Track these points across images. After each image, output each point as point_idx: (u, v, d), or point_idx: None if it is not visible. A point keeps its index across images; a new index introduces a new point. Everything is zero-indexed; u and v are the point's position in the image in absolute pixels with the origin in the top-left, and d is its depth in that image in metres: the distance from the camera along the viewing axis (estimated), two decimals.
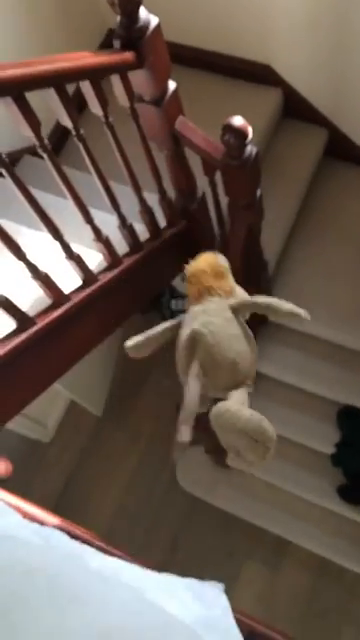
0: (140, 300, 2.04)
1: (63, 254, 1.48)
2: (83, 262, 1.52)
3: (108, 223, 1.62)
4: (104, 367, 3.51)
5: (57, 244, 1.45)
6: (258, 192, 1.80)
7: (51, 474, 3.36)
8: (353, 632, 2.75)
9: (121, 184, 1.63)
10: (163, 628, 0.56)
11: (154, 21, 1.37)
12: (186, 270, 1.07)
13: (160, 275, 2.08)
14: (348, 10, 2.00)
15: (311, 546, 2.82)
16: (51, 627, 0.53)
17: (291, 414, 2.62)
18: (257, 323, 2.56)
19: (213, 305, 0.99)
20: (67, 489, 3.31)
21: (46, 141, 1.28)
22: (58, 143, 2.43)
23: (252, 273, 2.18)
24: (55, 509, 3.35)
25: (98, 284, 1.59)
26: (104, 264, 1.67)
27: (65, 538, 0.72)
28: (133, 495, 3.23)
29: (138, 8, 1.33)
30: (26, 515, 0.94)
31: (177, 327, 1.03)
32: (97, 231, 1.54)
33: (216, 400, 0.95)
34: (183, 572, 0.82)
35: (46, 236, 1.43)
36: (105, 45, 2.61)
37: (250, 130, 1.50)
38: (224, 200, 1.82)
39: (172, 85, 1.53)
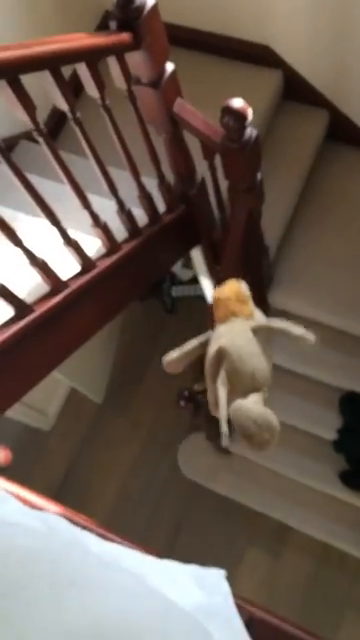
0: (140, 286, 2.02)
1: (61, 240, 1.46)
2: (81, 248, 1.50)
3: (106, 209, 1.61)
4: (104, 354, 3.50)
5: (55, 230, 1.43)
6: (258, 175, 1.78)
7: (52, 462, 3.37)
8: (355, 616, 2.77)
9: (119, 169, 1.61)
10: (164, 614, 0.55)
11: (151, 1, 1.34)
12: (214, 296, 1.27)
13: (160, 261, 2.06)
14: None
15: (313, 532, 2.83)
16: (49, 611, 0.52)
17: (293, 400, 2.62)
18: (259, 308, 2.55)
19: (237, 326, 1.19)
20: (68, 477, 3.32)
21: (42, 125, 1.26)
22: (55, 128, 2.39)
23: (253, 258, 2.16)
24: (56, 497, 3.37)
25: (96, 270, 1.58)
26: (103, 250, 1.66)
27: (66, 523, 0.71)
28: (134, 482, 3.24)
29: None
30: (26, 503, 0.93)
31: (206, 344, 1.22)
32: (95, 216, 1.52)
33: None
34: (185, 558, 0.81)
35: (44, 222, 1.41)
36: (102, 27, 2.57)
37: (250, 112, 1.48)
38: (224, 184, 1.80)
39: (170, 67, 1.50)
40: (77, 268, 1.56)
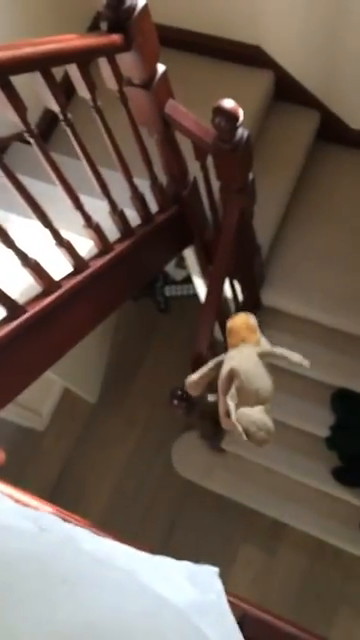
0: (133, 286, 2.03)
1: (53, 241, 1.46)
2: (73, 249, 1.51)
3: (99, 209, 1.61)
4: (98, 354, 3.51)
5: (47, 231, 1.44)
6: (250, 176, 1.79)
7: (46, 462, 3.37)
8: (349, 612, 2.79)
9: (112, 170, 1.62)
10: (156, 612, 0.56)
11: (141, 2, 1.35)
12: (228, 325, 1.54)
13: (153, 261, 2.07)
14: None
15: (307, 528, 2.84)
16: (41, 609, 0.53)
17: (286, 398, 2.63)
18: (251, 308, 2.56)
19: (246, 351, 1.45)
20: (62, 476, 3.32)
21: (33, 126, 1.26)
22: (47, 130, 2.39)
23: (245, 257, 2.17)
24: (50, 497, 3.40)
25: (89, 271, 1.58)
26: (95, 251, 1.66)
27: (59, 521, 0.71)
28: (129, 481, 3.25)
29: None
30: (19, 502, 0.94)
31: (220, 364, 1.46)
32: (87, 217, 1.53)
33: None
34: (179, 556, 0.82)
35: (36, 223, 1.41)
36: (93, 29, 2.57)
37: (241, 112, 1.49)
38: (216, 184, 1.81)
39: (161, 68, 1.51)
40: (70, 268, 1.57)
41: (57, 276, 1.52)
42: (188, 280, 3.42)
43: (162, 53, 1.50)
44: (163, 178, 1.82)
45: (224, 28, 2.43)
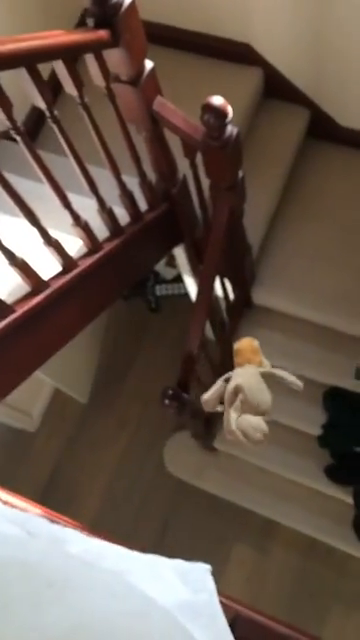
0: (123, 285, 2.01)
1: (41, 240, 1.45)
2: (62, 248, 1.49)
3: (88, 208, 1.60)
4: (89, 354, 3.49)
5: (35, 230, 1.42)
6: (240, 173, 1.78)
7: (37, 463, 3.35)
8: (342, 610, 2.79)
9: (101, 168, 1.60)
10: (144, 613, 0.55)
11: None
12: (235, 347, 1.74)
13: (143, 259, 2.05)
14: None
15: (299, 527, 2.84)
16: (27, 613, 0.51)
17: (277, 397, 2.60)
18: (242, 306, 2.56)
19: (250, 370, 1.67)
20: (54, 477, 3.30)
21: (20, 124, 1.24)
22: (34, 127, 2.37)
23: (235, 256, 2.16)
24: (42, 498, 3.38)
25: (78, 270, 1.57)
26: (84, 249, 1.65)
27: (47, 524, 0.70)
28: (121, 481, 3.23)
29: None
30: (7, 504, 0.92)
31: (227, 380, 1.67)
32: (75, 216, 1.51)
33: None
34: (172, 556, 0.81)
35: (24, 222, 1.39)
36: (81, 26, 2.55)
37: (230, 109, 1.48)
38: (205, 182, 1.80)
39: (149, 64, 1.50)
40: (58, 268, 1.55)
41: (46, 275, 1.50)
42: (179, 279, 3.40)
43: (150, 50, 1.49)
44: (152, 176, 1.81)
45: (213, 25, 2.42)
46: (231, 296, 2.42)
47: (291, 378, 1.70)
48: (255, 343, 1.74)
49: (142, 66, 1.47)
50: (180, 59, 2.53)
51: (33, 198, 1.37)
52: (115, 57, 1.41)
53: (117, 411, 3.39)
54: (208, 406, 1.71)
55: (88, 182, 1.53)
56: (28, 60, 1.19)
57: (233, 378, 1.66)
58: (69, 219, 1.52)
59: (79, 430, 3.40)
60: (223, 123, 1.49)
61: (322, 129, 2.60)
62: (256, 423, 1.60)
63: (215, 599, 0.73)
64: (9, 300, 1.41)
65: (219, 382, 1.70)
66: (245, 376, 1.66)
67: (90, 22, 1.36)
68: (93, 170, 1.54)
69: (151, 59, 1.50)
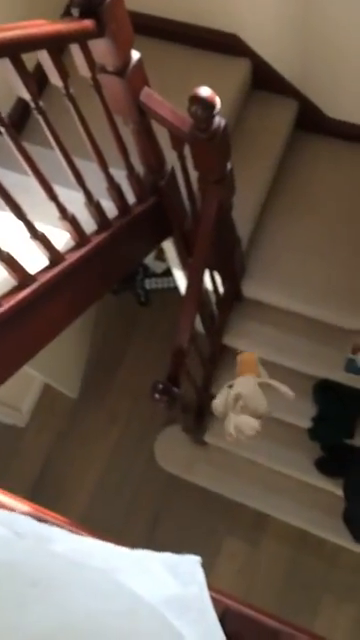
0: (111, 279, 2.00)
1: (28, 234, 1.43)
2: (48, 241, 1.47)
3: (75, 201, 1.58)
4: (78, 349, 3.47)
5: (22, 224, 1.40)
6: (228, 166, 1.77)
7: (27, 458, 3.34)
8: (333, 601, 2.81)
9: (88, 161, 1.58)
10: (131, 611, 0.54)
11: None
12: (238, 359, 2.00)
13: (131, 253, 2.04)
14: None
15: (290, 519, 2.85)
16: (9, 614, 0.50)
17: (267, 389, 2.62)
18: (232, 300, 2.55)
19: (250, 380, 1.92)
20: (44, 473, 3.29)
21: (4, 115, 1.22)
22: (20, 120, 2.35)
23: (225, 249, 2.16)
24: (32, 493, 3.35)
25: (65, 264, 1.55)
26: (71, 243, 1.63)
27: (33, 523, 0.69)
28: (112, 475, 3.23)
29: None
30: None
31: (231, 386, 1.91)
32: (62, 209, 1.50)
33: None
34: (163, 550, 0.80)
35: (11, 216, 1.38)
36: (67, 16, 2.52)
37: (218, 101, 1.46)
38: (194, 175, 1.79)
39: (135, 55, 1.48)
40: (45, 261, 1.53)
41: (32, 269, 1.48)
42: (168, 273, 3.39)
43: (137, 41, 1.47)
44: (140, 168, 1.79)
45: (200, 16, 2.40)
46: (221, 289, 2.41)
47: (284, 389, 1.91)
48: (255, 357, 2.00)
49: (128, 56, 1.46)
50: (167, 50, 2.51)
51: (19, 191, 1.35)
52: (101, 47, 1.39)
53: (107, 405, 3.38)
54: (218, 411, 1.95)
55: (75, 175, 1.51)
56: (12, 50, 1.17)
57: (235, 387, 1.92)
58: (56, 212, 1.50)
59: (69, 425, 3.39)
60: (211, 115, 1.48)
61: (310, 121, 2.59)
62: (252, 422, 1.87)
63: (205, 592, 0.72)
64: None
65: (225, 388, 1.96)
66: (245, 385, 1.92)
67: (75, 12, 1.33)
68: (80, 163, 1.52)
69: (137, 50, 1.48)
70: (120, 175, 1.70)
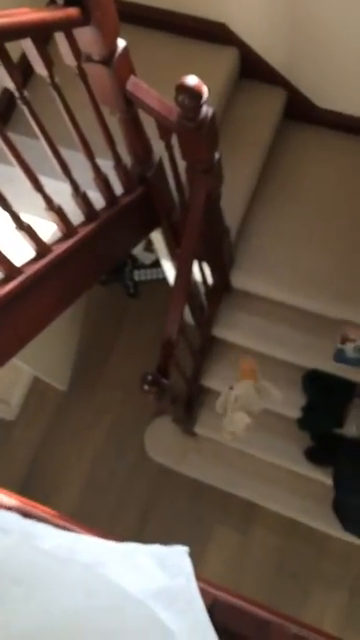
0: (99, 270, 1.98)
1: (13, 225, 1.41)
2: (34, 232, 1.46)
3: (62, 192, 1.56)
4: (67, 341, 3.46)
5: (6, 215, 1.38)
6: (216, 155, 1.75)
7: (17, 452, 3.33)
8: (323, 590, 2.84)
9: (76, 152, 1.57)
10: (118, 607, 0.53)
11: None
12: (241, 365, 2.35)
13: (119, 244, 2.02)
14: None
15: (280, 508, 2.87)
16: None
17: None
18: (221, 290, 2.55)
19: (248, 384, 2.27)
20: (34, 466, 3.28)
21: None
22: (6, 110, 2.32)
23: (213, 240, 2.15)
24: (22, 486, 3.34)
25: (52, 255, 1.54)
26: (58, 234, 1.62)
27: (19, 520, 0.68)
28: (102, 468, 3.23)
29: None
30: None
31: (231, 387, 2.25)
32: (48, 199, 1.48)
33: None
34: (154, 541, 0.80)
35: None
36: (52, 4, 2.49)
37: (205, 90, 1.45)
38: (182, 165, 1.77)
39: (121, 43, 1.46)
40: (32, 253, 1.52)
41: (19, 261, 1.47)
42: (157, 264, 3.38)
43: (123, 30, 1.45)
44: (127, 158, 1.77)
45: (187, 4, 2.38)
46: (210, 280, 2.40)
47: (275, 392, 2.32)
48: (254, 364, 2.36)
49: (114, 45, 1.44)
50: (154, 39, 2.48)
51: (4, 181, 1.33)
52: (86, 36, 1.37)
53: (97, 397, 3.37)
54: (218, 408, 2.28)
55: (61, 165, 1.50)
56: None
57: (235, 389, 2.27)
58: (42, 203, 1.49)
59: (59, 417, 3.38)
60: (198, 104, 1.46)
61: (299, 110, 2.58)
62: (246, 419, 2.25)
63: (192, 582, 0.72)
64: None
65: (226, 389, 2.28)
66: (243, 388, 2.27)
67: (60, 0, 1.31)
68: (67, 153, 1.51)
69: (124, 38, 1.46)
70: (107, 165, 1.69)
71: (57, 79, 1.37)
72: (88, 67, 1.45)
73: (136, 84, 1.54)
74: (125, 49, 1.46)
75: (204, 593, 0.77)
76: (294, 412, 2.61)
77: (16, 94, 1.28)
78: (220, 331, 2.58)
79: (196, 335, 2.47)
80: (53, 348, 3.26)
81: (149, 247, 3.30)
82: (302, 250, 2.44)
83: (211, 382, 2.71)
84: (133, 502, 3.12)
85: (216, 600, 0.81)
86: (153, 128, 1.66)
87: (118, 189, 1.79)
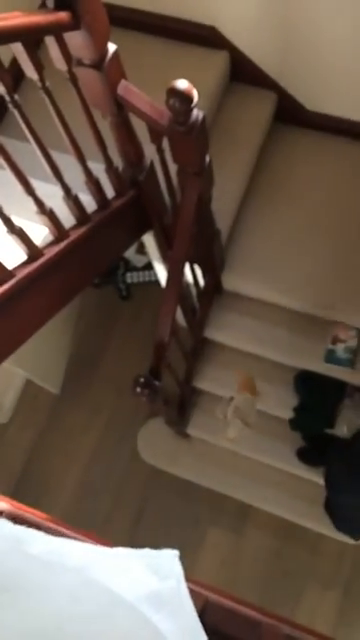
0: (90, 273, 1.99)
1: (4, 228, 1.41)
2: (26, 236, 1.46)
3: (53, 195, 1.56)
4: (60, 344, 3.45)
5: None
6: (207, 158, 1.77)
7: (10, 455, 3.32)
8: (317, 589, 2.85)
9: (68, 155, 1.57)
10: (108, 612, 0.54)
11: None
12: (240, 378, 2.56)
13: (111, 247, 2.03)
14: None
15: (273, 509, 2.88)
16: None
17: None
18: (213, 292, 2.56)
19: (246, 396, 2.49)
20: (27, 469, 3.28)
21: None
22: None
23: (205, 242, 2.16)
24: (15, 489, 3.33)
25: (44, 259, 1.54)
26: (50, 238, 1.62)
27: (7, 525, 0.68)
28: (95, 470, 3.22)
29: None
30: None
31: (232, 398, 2.49)
32: (40, 203, 1.48)
33: None
34: (147, 544, 0.81)
35: None
36: (42, 8, 2.48)
37: (195, 93, 1.46)
38: (173, 168, 1.78)
39: (112, 47, 1.46)
40: (23, 256, 1.52)
41: (10, 265, 1.47)
42: (149, 266, 3.38)
43: (114, 34, 1.45)
44: (119, 162, 1.78)
45: (178, 8, 2.39)
46: (201, 282, 2.41)
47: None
48: (252, 379, 2.56)
49: (105, 49, 1.44)
50: (144, 42, 2.49)
51: None
52: (77, 40, 1.37)
53: (90, 400, 3.37)
54: (217, 415, 2.51)
55: (52, 168, 1.50)
56: None
57: (234, 400, 2.49)
58: (32, 206, 1.49)
59: (52, 420, 3.38)
60: (189, 107, 1.47)
61: (289, 113, 2.59)
62: (239, 426, 2.48)
63: (182, 584, 0.72)
64: None
65: (226, 399, 2.50)
66: (242, 400, 2.48)
67: (50, 3, 1.32)
68: (59, 157, 1.51)
69: (114, 42, 1.47)
70: (99, 169, 1.69)
71: (48, 82, 1.37)
72: (79, 71, 1.45)
73: (127, 88, 1.54)
74: (116, 53, 1.47)
75: (196, 595, 0.78)
76: (286, 412, 2.62)
77: (7, 98, 1.28)
78: (212, 333, 2.59)
79: (188, 337, 2.48)
80: (46, 351, 3.25)
81: (141, 250, 3.31)
82: (293, 251, 2.45)
83: (203, 384, 2.72)
84: (126, 504, 3.12)
85: (208, 602, 0.81)
86: (144, 131, 1.66)
87: (110, 192, 1.79)
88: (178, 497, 3.08)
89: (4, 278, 1.43)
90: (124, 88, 1.54)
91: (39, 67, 1.31)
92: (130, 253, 3.49)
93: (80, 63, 1.45)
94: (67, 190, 1.58)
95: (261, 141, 2.56)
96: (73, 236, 1.65)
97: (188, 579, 0.77)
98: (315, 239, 2.46)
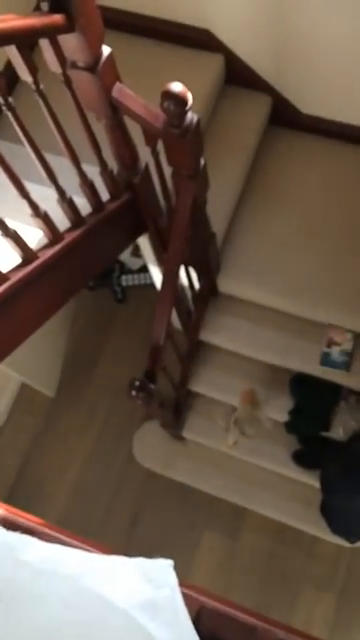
0: (86, 276, 1.98)
1: None
2: (21, 239, 1.46)
3: (48, 198, 1.56)
4: (55, 347, 3.45)
5: None
6: (202, 161, 1.76)
7: (5, 458, 3.30)
8: (312, 592, 2.84)
9: (63, 157, 1.56)
10: (100, 621, 0.53)
11: None
12: (242, 392, 2.63)
13: (106, 250, 2.02)
14: None
15: (268, 512, 2.87)
16: None
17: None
18: (208, 295, 2.56)
19: (247, 410, 2.59)
20: (22, 473, 3.26)
21: None
22: None
23: (200, 245, 2.15)
24: (10, 493, 3.31)
25: (39, 261, 1.53)
26: (45, 240, 1.61)
27: (1, 532, 0.68)
28: (90, 474, 3.21)
29: None
30: None
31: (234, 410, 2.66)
32: (34, 206, 1.48)
33: None
34: (143, 547, 0.81)
35: None
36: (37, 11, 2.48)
37: (190, 96, 1.46)
38: (168, 171, 1.78)
39: (106, 50, 1.46)
40: (18, 259, 1.51)
41: (4, 268, 1.46)
42: (145, 269, 3.38)
43: (108, 36, 1.45)
44: (114, 164, 1.78)
45: (172, 11, 2.39)
46: (196, 285, 2.41)
47: (266, 422, 2.64)
48: (254, 393, 2.62)
49: (99, 52, 1.44)
50: (139, 45, 2.49)
51: None
52: (71, 43, 1.37)
53: (86, 403, 3.36)
54: (219, 424, 2.72)
55: (46, 171, 1.49)
56: None
57: (237, 412, 2.62)
58: (27, 209, 1.49)
59: (47, 423, 3.36)
60: (183, 110, 1.47)
61: (284, 116, 2.59)
62: (237, 436, 2.66)
63: (177, 594, 0.72)
64: None
65: (227, 406, 2.65)
66: (243, 413, 2.60)
67: (44, 6, 1.31)
68: (53, 159, 1.50)
69: (109, 45, 1.47)
70: (93, 171, 1.69)
71: (43, 85, 1.37)
72: (73, 74, 1.45)
73: (122, 90, 1.54)
74: (110, 56, 1.47)
75: (191, 600, 0.77)
76: (282, 415, 2.62)
77: (1, 100, 1.28)
78: (207, 335, 2.58)
79: (183, 340, 2.47)
80: (41, 354, 3.24)
81: (136, 252, 3.30)
82: (288, 254, 2.45)
83: (199, 386, 2.72)
84: (122, 507, 3.11)
85: (203, 607, 0.81)
86: (139, 134, 1.66)
87: (104, 195, 1.79)
88: (174, 500, 3.07)
89: None
90: (119, 91, 1.54)
91: (33, 70, 1.31)
92: (125, 256, 3.49)
93: (74, 66, 1.45)
94: (62, 193, 1.57)
95: (256, 144, 2.56)
96: (68, 239, 1.64)
97: (183, 584, 0.77)
98: (310, 242, 2.46)
